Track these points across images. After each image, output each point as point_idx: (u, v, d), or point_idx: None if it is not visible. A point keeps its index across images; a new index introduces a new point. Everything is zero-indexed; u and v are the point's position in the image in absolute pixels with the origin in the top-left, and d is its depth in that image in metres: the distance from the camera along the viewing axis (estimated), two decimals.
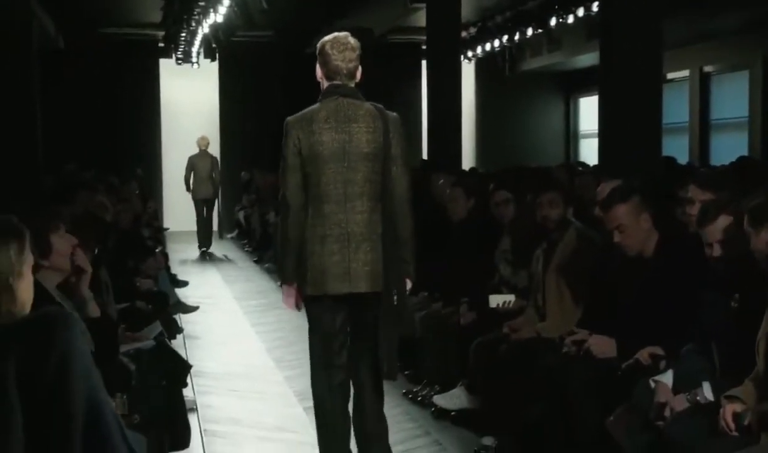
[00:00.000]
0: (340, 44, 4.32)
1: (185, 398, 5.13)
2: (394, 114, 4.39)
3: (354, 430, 4.37)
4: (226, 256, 15.10)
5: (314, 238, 4.23)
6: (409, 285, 4.35)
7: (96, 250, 5.10)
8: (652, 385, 3.75)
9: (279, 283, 4.84)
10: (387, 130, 4.28)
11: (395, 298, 4.16)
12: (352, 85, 4.33)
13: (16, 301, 2.54)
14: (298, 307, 4.39)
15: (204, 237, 15.34)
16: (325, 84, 4.34)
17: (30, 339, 2.26)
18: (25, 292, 2.58)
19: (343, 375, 4.32)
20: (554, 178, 6.74)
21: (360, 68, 4.35)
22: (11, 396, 2.17)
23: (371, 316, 4.22)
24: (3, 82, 11.54)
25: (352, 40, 4.36)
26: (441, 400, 5.77)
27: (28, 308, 2.60)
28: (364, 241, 4.22)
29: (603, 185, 5.24)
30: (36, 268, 3.60)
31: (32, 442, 2.21)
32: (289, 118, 4.33)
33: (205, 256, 15.11)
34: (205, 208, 15.41)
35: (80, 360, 2.27)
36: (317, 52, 4.34)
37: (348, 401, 4.36)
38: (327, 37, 4.37)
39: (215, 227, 16.10)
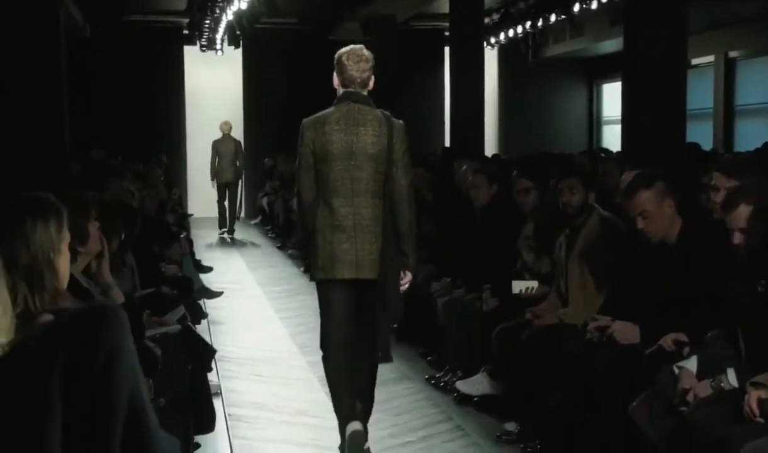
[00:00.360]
0: (355, 56, 4.76)
1: (210, 383, 5.20)
2: (400, 121, 4.83)
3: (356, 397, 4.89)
4: (252, 243, 15.19)
5: (325, 228, 4.70)
6: (409, 276, 4.78)
7: (122, 236, 5.15)
8: (676, 371, 3.74)
9: (302, 269, 5.35)
10: (392, 135, 4.72)
11: (389, 287, 4.65)
12: (365, 93, 4.80)
13: (58, 276, 2.59)
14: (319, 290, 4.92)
15: (226, 221, 15.53)
16: (340, 90, 4.79)
17: (78, 334, 2.16)
18: (64, 266, 2.64)
19: (350, 346, 4.84)
20: (575, 164, 6.73)
21: (373, 78, 4.82)
22: (53, 396, 2.08)
23: (372, 298, 4.71)
24: (32, 70, 11.64)
25: (366, 53, 4.82)
26: (463, 385, 5.80)
27: (65, 283, 2.65)
28: (369, 233, 4.68)
29: (627, 174, 5.23)
30: (74, 256, 3.66)
31: (70, 441, 2.12)
32: (305, 120, 4.78)
33: (225, 240, 15.29)
34: (228, 192, 15.53)
35: (127, 358, 2.20)
36: (335, 61, 4.78)
37: (351, 361, 4.85)
38: (344, 49, 4.81)
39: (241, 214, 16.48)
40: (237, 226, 15.91)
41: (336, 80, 4.81)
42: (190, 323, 5.33)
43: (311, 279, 4.89)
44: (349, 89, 4.76)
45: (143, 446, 2.23)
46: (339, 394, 4.86)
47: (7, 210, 2.65)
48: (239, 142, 16.04)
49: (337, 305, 4.76)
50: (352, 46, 4.85)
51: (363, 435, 4.74)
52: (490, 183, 6.56)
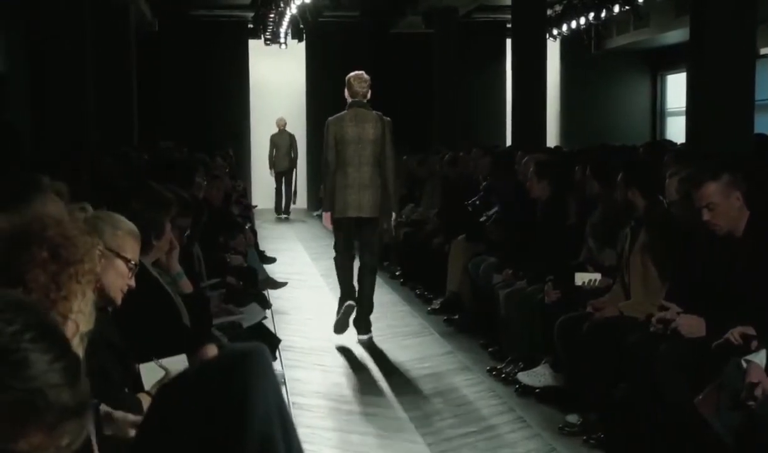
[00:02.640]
0: (359, 79, 7.32)
1: None
2: (388, 118, 7.32)
3: (358, 289, 7.48)
4: (314, 234, 15.32)
5: (341, 186, 7.27)
6: (393, 216, 7.60)
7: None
8: (744, 364, 3.70)
9: (320, 211, 9.49)
10: (384, 128, 7.27)
11: (383, 222, 7.47)
12: (365, 101, 7.32)
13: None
14: (330, 227, 7.53)
15: (283, 205, 17.91)
16: (349, 100, 7.33)
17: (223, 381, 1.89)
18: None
19: (350, 253, 7.54)
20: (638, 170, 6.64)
21: (369, 91, 7.32)
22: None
23: (369, 229, 7.41)
24: (104, 63, 11.90)
25: (365, 76, 7.33)
26: (525, 377, 5.80)
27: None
28: (369, 188, 7.27)
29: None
30: (148, 248, 3.72)
31: None
32: (329, 119, 7.34)
33: (281, 220, 17.59)
34: (284, 179, 18.00)
35: (260, 402, 1.89)
36: (345, 83, 7.33)
37: (353, 261, 7.54)
38: (351, 74, 7.36)
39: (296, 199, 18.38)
40: (299, 216, 16.40)
41: (346, 93, 7.34)
42: (264, 320, 5.40)
43: (325, 210, 7.49)
44: (356, 99, 7.30)
45: None
46: (342, 281, 7.51)
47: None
48: (293, 136, 18.10)
49: (344, 230, 7.41)
50: (357, 72, 7.36)
51: (353, 307, 7.38)
52: (542, 180, 6.56)
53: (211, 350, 2.25)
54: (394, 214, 7.54)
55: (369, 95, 7.29)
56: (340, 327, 7.39)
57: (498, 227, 7.68)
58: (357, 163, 7.21)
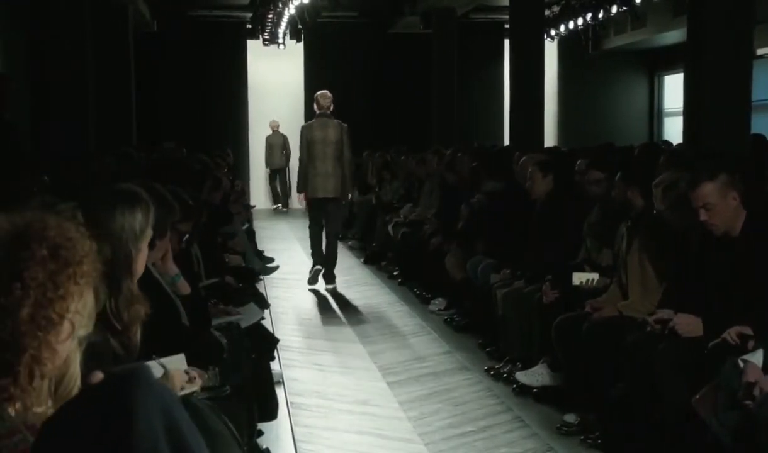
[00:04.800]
0: (324, 96, 9.92)
1: (272, 371, 5.28)
2: (345, 125, 9.91)
3: (323, 253, 9.98)
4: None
5: (311, 175, 9.79)
6: (349, 195, 11.03)
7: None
8: (741, 364, 3.70)
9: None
10: (343, 132, 9.82)
11: (342, 199, 10.34)
12: (328, 112, 9.86)
13: (133, 277, 2.58)
14: (304, 203, 10.25)
15: (278, 198, 19.69)
16: (317, 111, 9.90)
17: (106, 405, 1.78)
18: (140, 265, 2.64)
19: (320, 224, 10.03)
20: (637, 169, 6.65)
21: (332, 105, 9.86)
22: None
23: (333, 206, 9.96)
24: (102, 63, 11.89)
25: (329, 94, 9.94)
26: (523, 377, 5.81)
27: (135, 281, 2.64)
28: (332, 176, 9.77)
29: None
30: (150, 247, 3.71)
31: None
32: (303, 125, 10.30)
33: (279, 212, 19.13)
34: (278, 176, 19.63)
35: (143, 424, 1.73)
36: (314, 98, 10.00)
37: (321, 231, 10.03)
38: (318, 93, 10.03)
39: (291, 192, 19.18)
40: (297, 215, 16.40)
41: (315, 107, 9.95)
42: (261, 320, 5.41)
43: (299, 191, 10.14)
44: (322, 111, 9.88)
45: None
46: (313, 245, 10.05)
47: (97, 200, 2.68)
48: (285, 136, 19.06)
49: (316, 208, 10.05)
50: (322, 91, 10.05)
51: (320, 270, 9.93)
52: (546, 176, 6.57)
53: (96, 377, 2.27)
54: (350, 194, 11.21)
55: (331, 108, 9.86)
56: (311, 282, 10.01)
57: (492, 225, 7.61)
58: (323, 158, 9.74)
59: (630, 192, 5.15)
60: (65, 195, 3.37)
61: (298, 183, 10.00)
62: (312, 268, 10.03)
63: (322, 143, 9.70)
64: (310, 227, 10.15)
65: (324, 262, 9.92)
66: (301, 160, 9.93)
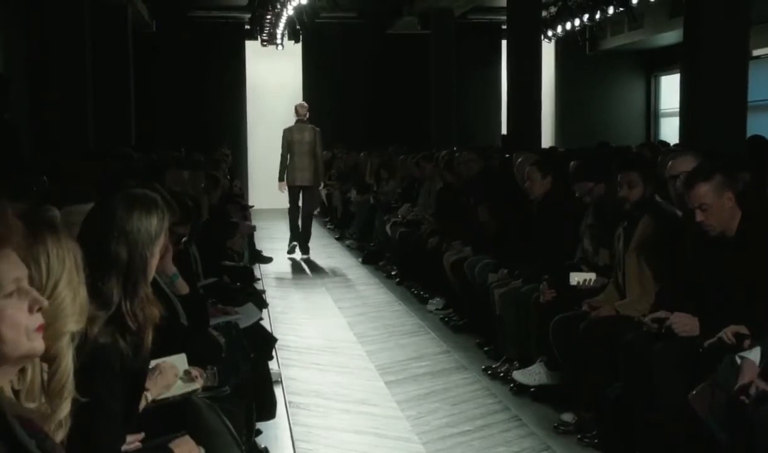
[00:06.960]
0: (302, 106, 12.47)
1: (270, 371, 5.30)
2: (318, 129, 12.29)
3: (300, 230, 12.42)
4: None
5: (291, 168, 12.21)
6: (321, 185, 13.87)
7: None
8: (738, 361, 3.71)
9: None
10: (316, 135, 12.24)
11: (315, 188, 12.85)
12: (305, 119, 12.28)
13: (147, 280, 2.62)
14: (284, 190, 12.38)
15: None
16: (296, 118, 12.32)
17: None
18: (152, 269, 2.68)
19: (297, 206, 12.41)
20: (636, 158, 6.65)
21: (308, 113, 12.34)
22: None
23: (308, 193, 12.41)
24: (101, 63, 11.90)
25: (305, 104, 12.68)
26: (520, 376, 5.83)
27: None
28: (307, 169, 12.17)
29: (672, 162, 5.16)
30: None
31: None
32: (284, 129, 12.45)
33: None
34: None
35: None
36: (294, 108, 12.55)
37: (298, 212, 12.44)
38: (297, 103, 12.76)
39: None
40: None
41: (295, 114, 12.27)
42: (260, 321, 5.42)
43: (280, 181, 12.39)
44: (299, 117, 12.28)
45: None
46: (291, 225, 12.52)
47: (113, 203, 2.69)
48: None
49: (294, 194, 12.35)
50: (300, 102, 12.83)
51: (296, 246, 12.32)
52: (544, 176, 6.59)
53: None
54: (322, 184, 13.81)
55: (308, 115, 12.37)
56: (289, 253, 12.38)
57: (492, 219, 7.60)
58: (300, 155, 12.16)
59: (630, 179, 5.11)
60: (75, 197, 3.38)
61: (280, 174, 12.33)
62: (289, 242, 12.56)
63: (300, 143, 12.18)
64: (289, 210, 12.54)
65: (300, 238, 12.42)
66: (282, 155, 12.32)
